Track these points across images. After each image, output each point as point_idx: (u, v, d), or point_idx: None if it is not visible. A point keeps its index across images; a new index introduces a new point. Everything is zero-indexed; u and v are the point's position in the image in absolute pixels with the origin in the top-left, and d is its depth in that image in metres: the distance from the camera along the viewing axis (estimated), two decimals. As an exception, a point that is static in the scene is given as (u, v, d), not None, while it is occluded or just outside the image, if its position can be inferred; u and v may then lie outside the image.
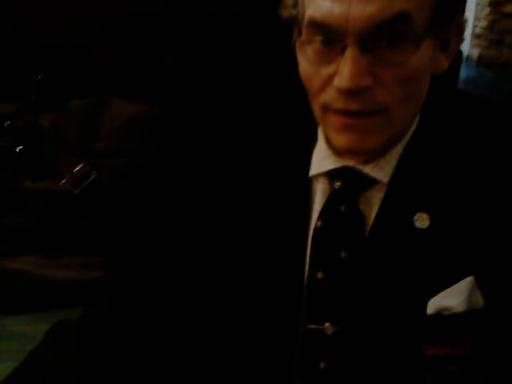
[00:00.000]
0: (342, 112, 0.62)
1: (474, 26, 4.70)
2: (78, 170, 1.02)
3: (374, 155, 0.68)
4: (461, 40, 0.69)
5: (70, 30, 1.12)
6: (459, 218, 0.67)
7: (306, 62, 0.63)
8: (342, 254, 0.70)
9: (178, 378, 0.79)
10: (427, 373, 0.66)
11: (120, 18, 1.11)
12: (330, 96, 0.61)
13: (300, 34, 0.63)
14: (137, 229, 0.95)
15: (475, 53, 4.75)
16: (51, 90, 1.05)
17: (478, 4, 4.57)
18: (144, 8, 1.11)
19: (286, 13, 0.65)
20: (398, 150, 0.69)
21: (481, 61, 4.70)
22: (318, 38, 0.60)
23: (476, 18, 4.64)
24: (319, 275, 0.71)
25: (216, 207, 0.81)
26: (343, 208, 0.70)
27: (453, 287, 0.66)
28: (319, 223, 0.72)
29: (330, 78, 0.60)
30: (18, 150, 1.00)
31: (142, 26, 1.13)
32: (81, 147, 1.05)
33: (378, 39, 0.57)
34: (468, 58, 4.83)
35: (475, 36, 4.72)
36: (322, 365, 0.72)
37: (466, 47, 4.83)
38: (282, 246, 0.74)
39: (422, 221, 0.68)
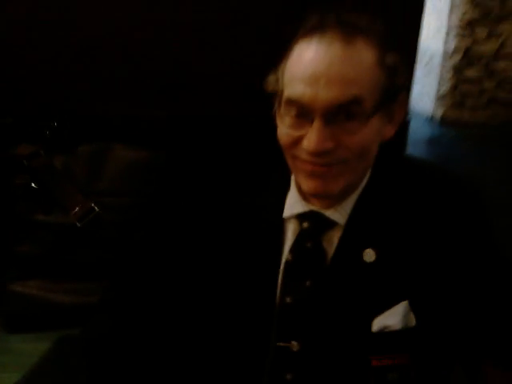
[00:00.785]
0: (310, 163, 0.74)
1: (438, 89, 4.99)
2: (82, 206, 1.12)
3: (334, 201, 0.81)
4: (405, 113, 0.81)
5: (80, 88, 1.25)
6: (399, 254, 0.79)
7: (283, 126, 0.76)
8: (307, 283, 0.81)
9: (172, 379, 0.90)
10: (372, 380, 0.76)
11: (123, 77, 1.25)
12: (299, 151, 0.74)
13: (279, 106, 0.77)
14: (133, 257, 1.06)
15: (439, 113, 5.02)
16: (63, 135, 1.16)
17: (442, 68, 4.90)
18: (145, 67, 1.26)
19: (269, 87, 0.80)
20: (353, 198, 0.81)
21: (444, 121, 4.98)
22: (293, 112, 0.73)
23: (440, 81, 4.94)
24: (288, 300, 0.82)
25: (203, 241, 0.91)
26: (309, 244, 0.82)
27: (392, 309, 0.77)
28: (289, 257, 0.83)
29: (300, 139, 0.74)
30: (32, 186, 1.11)
31: (141, 83, 1.28)
32: (86, 186, 1.15)
33: (337, 115, 0.70)
34: (432, 117, 5.11)
35: (439, 98, 5.00)
36: (289, 376, 0.82)
37: (431, 108, 5.11)
38: (258, 274, 0.85)
39: (369, 256, 0.79)
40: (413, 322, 0.78)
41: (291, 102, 0.73)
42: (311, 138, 0.71)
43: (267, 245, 0.86)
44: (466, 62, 4.87)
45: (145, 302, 0.94)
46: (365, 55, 0.72)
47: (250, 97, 0.90)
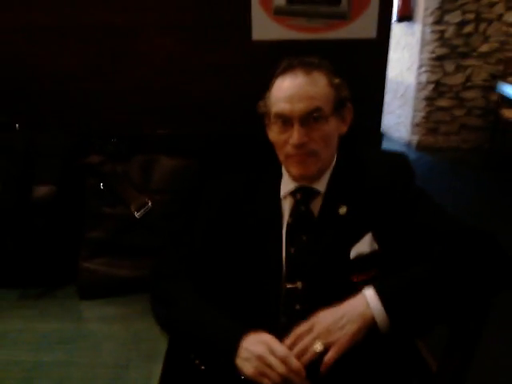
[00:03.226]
0: (296, 156, 1.09)
1: (413, 117, 5.26)
2: (139, 202, 1.38)
3: (314, 179, 1.15)
4: (351, 115, 1.18)
5: (134, 115, 1.56)
6: (362, 207, 1.12)
7: (274, 133, 1.13)
8: (304, 237, 1.15)
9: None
10: (354, 292, 1.01)
11: (166, 106, 1.56)
12: (288, 149, 1.10)
13: (269, 120, 1.13)
14: (177, 238, 1.30)
15: (415, 139, 5.30)
16: (122, 149, 1.45)
17: (416, 98, 5.19)
18: (182, 98, 1.56)
19: (260, 109, 1.16)
20: (327, 175, 1.17)
21: (420, 146, 5.27)
22: (280, 122, 1.09)
23: (414, 111, 5.22)
24: (292, 250, 1.15)
25: (228, 220, 1.21)
26: (303, 208, 1.16)
27: (361, 241, 1.09)
28: (290, 220, 1.17)
29: (287, 140, 1.10)
30: (101, 186, 1.39)
31: (180, 110, 1.58)
32: (141, 186, 1.41)
33: (308, 119, 1.07)
34: (409, 143, 5.37)
35: (414, 125, 5.27)
36: (298, 307, 1.12)
37: (407, 135, 5.35)
38: (269, 236, 1.17)
39: (342, 210, 1.13)
40: (376, 247, 1.10)
41: (277, 116, 1.09)
42: (294, 135, 1.07)
43: (272, 216, 1.18)
44: (437, 92, 5.11)
45: (190, 266, 1.20)
46: (319, 80, 1.10)
47: (251, 119, 1.20)
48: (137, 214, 1.38)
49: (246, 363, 0.95)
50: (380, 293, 0.96)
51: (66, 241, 1.40)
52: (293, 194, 1.17)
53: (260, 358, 0.94)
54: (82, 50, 1.50)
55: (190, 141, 1.52)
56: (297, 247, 1.13)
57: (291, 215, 1.16)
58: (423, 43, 5.05)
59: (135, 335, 1.18)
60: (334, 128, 1.11)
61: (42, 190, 1.39)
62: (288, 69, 1.09)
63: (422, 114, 5.17)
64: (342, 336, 0.94)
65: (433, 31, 4.90)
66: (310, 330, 0.96)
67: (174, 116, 1.57)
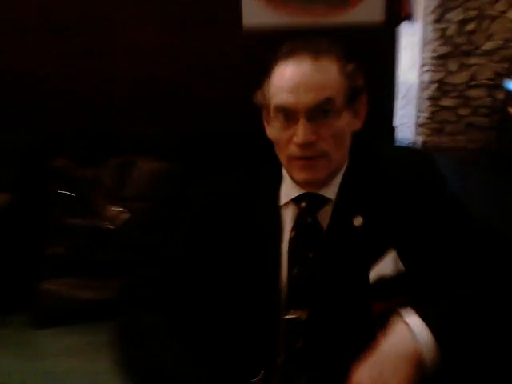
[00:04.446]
0: (301, 158, 0.93)
1: (417, 117, 5.16)
2: (112, 211, 1.26)
3: (323, 184, 0.99)
4: (365, 108, 1.03)
5: (108, 112, 1.43)
6: (380, 217, 0.95)
7: (274, 130, 0.96)
8: (310, 254, 0.97)
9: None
10: (376, 326, 0.86)
11: (145, 102, 1.43)
12: (292, 149, 0.93)
13: (268, 114, 0.97)
14: (155, 254, 1.14)
15: (419, 140, 5.19)
16: (92, 150, 1.31)
17: (419, 98, 5.09)
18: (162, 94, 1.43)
19: (258, 100, 1.00)
20: (338, 179, 1.00)
21: (425, 146, 5.12)
22: (281, 117, 0.93)
23: (418, 110, 5.12)
24: (295, 271, 0.97)
25: (214, 232, 1.04)
26: (309, 220, 0.99)
27: (382, 260, 0.92)
28: (293, 234, 0.99)
29: (290, 138, 0.93)
30: (67, 193, 1.24)
31: (159, 106, 1.45)
32: (115, 193, 1.29)
33: (316, 113, 0.91)
34: (414, 144, 5.25)
35: (419, 126, 5.17)
36: (299, 344, 0.93)
37: (412, 135, 5.26)
38: (266, 252, 1.00)
39: (358, 221, 0.95)
40: (402, 267, 0.92)
41: (279, 109, 0.93)
42: (299, 133, 0.90)
43: (270, 228, 1.01)
44: (441, 92, 5.03)
45: (166, 291, 1.04)
46: (329, 68, 0.93)
47: (243, 116, 1.06)
48: (109, 226, 1.27)
49: None
50: (430, 323, 0.78)
51: (23, 258, 1.30)
52: (296, 201, 1.01)
53: None
54: (50, 45, 1.39)
55: (173, 141, 1.39)
56: (301, 267, 0.97)
57: (294, 227, 1.00)
58: (425, 42, 4.94)
59: (101, 373, 1.02)
60: (346, 124, 0.96)
61: (-5, 198, 1.27)
62: (292, 53, 0.94)
63: (426, 114, 5.06)
64: None
65: (434, 30, 4.83)
66: None
67: (154, 114, 1.45)
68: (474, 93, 4.93)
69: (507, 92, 4.62)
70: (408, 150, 1.10)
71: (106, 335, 1.07)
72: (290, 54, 0.94)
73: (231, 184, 1.10)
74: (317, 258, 0.97)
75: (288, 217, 1.01)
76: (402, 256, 0.93)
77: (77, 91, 1.40)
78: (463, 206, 0.99)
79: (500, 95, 4.81)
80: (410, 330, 0.77)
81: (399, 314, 0.82)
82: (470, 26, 4.78)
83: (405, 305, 0.89)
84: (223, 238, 1.03)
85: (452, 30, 4.77)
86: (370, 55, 1.36)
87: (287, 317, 0.95)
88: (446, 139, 5.08)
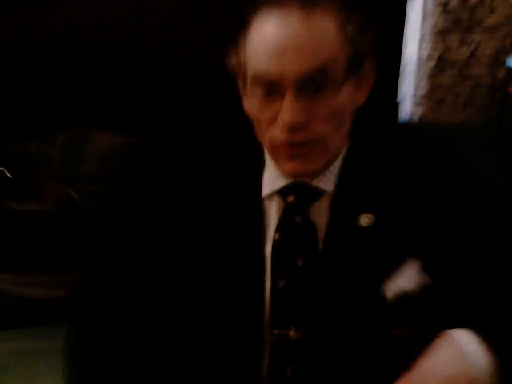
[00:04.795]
0: (288, 144, 0.72)
1: (415, 93, 5.03)
2: (59, 194, 1.10)
3: (316, 173, 0.79)
4: (372, 79, 0.81)
5: (55, 74, 1.22)
6: (397, 213, 0.76)
7: (252, 107, 0.75)
8: (300, 262, 0.77)
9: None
10: (397, 353, 0.71)
11: (101, 63, 1.24)
12: (276, 133, 0.72)
13: (244, 84, 0.76)
14: (108, 246, 0.97)
15: (417, 116, 5.07)
16: (38, 122, 1.14)
17: (417, 73, 4.95)
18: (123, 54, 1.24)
19: (231, 65, 0.79)
20: (336, 166, 0.80)
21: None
22: (261, 91, 0.72)
23: (416, 86, 4.99)
24: (281, 283, 0.78)
25: (181, 228, 0.85)
26: (298, 219, 0.79)
27: (402, 271, 0.74)
28: (277, 235, 0.79)
29: (273, 117, 0.72)
30: (7, 173, 1.09)
31: (120, 69, 1.26)
32: (64, 173, 1.14)
33: (307, 87, 0.70)
34: (411, 119, 5.17)
35: (416, 101, 5.05)
36: (289, 370, 0.77)
37: (409, 111, 5.15)
38: (243, 257, 0.80)
39: (366, 220, 0.76)
40: (427, 279, 0.75)
41: (258, 79, 0.73)
42: (286, 111, 0.70)
43: (247, 228, 0.82)
44: (439, 68, 4.93)
45: (123, 294, 0.86)
46: (325, 26, 0.72)
47: (222, 81, 0.86)
48: (56, 212, 1.12)
49: None
50: (489, 342, 0.65)
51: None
52: (282, 193, 0.81)
53: None
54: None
55: (135, 112, 1.22)
56: (289, 278, 0.79)
57: (278, 228, 0.80)
58: (424, 16, 4.83)
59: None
60: (347, 100, 0.76)
61: None
62: (276, 3, 0.73)
63: (424, 90, 4.94)
64: None
65: (435, 3, 4.67)
66: None
67: (113, 79, 1.25)
68: (474, 70, 4.83)
69: (508, 69, 4.50)
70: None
71: (56, 342, 0.89)
72: (273, 4, 0.73)
73: (199, 164, 0.90)
74: (308, 268, 0.79)
75: (272, 213, 0.82)
76: (426, 265, 0.75)
77: (19, 44, 1.20)
78: (506, 199, 0.80)
79: (501, 73, 4.69)
80: (461, 350, 0.64)
81: (444, 333, 0.67)
82: (473, 0, 4.65)
83: (433, 328, 0.72)
84: (189, 233, 0.84)
85: (453, 3, 4.61)
86: (378, 11, 1.22)
87: (274, 333, 0.79)
88: (445, 116, 5.05)
